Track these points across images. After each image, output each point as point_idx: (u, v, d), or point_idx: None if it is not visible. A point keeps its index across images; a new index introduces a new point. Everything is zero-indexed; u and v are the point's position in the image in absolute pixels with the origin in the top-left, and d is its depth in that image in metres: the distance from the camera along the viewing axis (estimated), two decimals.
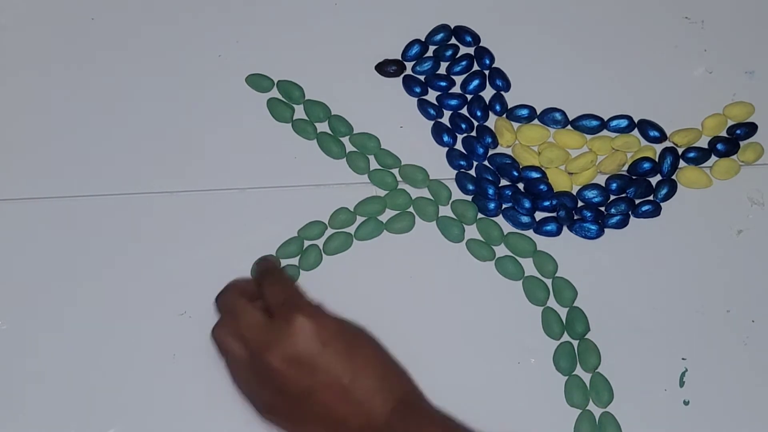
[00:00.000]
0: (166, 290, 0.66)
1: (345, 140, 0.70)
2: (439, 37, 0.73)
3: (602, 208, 0.68)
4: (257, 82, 0.71)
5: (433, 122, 0.71)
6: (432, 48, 0.73)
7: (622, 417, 0.63)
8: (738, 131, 0.70)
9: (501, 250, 0.67)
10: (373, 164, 0.70)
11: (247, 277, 0.63)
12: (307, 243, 0.67)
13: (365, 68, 0.72)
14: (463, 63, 0.72)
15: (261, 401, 0.57)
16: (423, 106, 0.71)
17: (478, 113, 0.71)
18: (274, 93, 0.71)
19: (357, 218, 0.68)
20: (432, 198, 0.69)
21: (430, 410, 0.57)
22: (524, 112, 0.71)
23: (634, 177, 0.69)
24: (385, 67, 0.72)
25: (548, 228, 0.68)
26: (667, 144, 0.70)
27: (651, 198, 0.69)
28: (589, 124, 0.70)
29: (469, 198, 0.69)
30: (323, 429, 0.56)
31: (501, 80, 0.71)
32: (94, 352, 0.65)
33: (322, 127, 0.71)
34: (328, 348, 0.55)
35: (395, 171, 0.69)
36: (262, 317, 0.56)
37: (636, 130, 0.70)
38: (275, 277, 0.61)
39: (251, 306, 0.57)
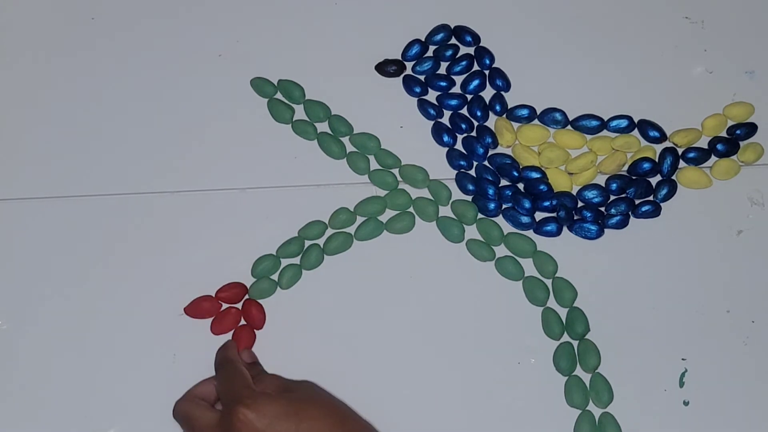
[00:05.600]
0: (166, 290, 0.66)
1: (345, 140, 0.70)
2: (439, 37, 0.73)
3: (602, 209, 0.68)
4: (261, 86, 0.71)
5: (433, 122, 0.71)
6: (432, 48, 0.73)
7: (622, 417, 0.63)
8: (738, 131, 0.70)
9: (501, 251, 0.67)
10: (374, 164, 0.70)
11: (207, 380, 0.62)
12: (307, 243, 0.67)
13: (365, 68, 0.72)
14: (463, 63, 0.72)
15: None
16: (423, 106, 0.71)
17: (478, 113, 0.71)
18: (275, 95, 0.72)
19: (357, 218, 0.68)
20: (432, 198, 0.69)
21: None
22: (524, 112, 0.71)
23: (634, 177, 0.69)
24: (385, 67, 0.72)
25: (548, 228, 0.68)
26: (667, 144, 0.70)
27: (651, 198, 0.69)
28: (589, 124, 0.70)
29: (469, 198, 0.69)
30: None
31: (501, 80, 0.71)
32: (94, 352, 0.65)
33: (323, 127, 0.71)
34: (271, 429, 0.56)
35: (395, 171, 0.69)
36: (213, 417, 0.58)
37: (636, 130, 0.70)
38: (223, 371, 0.62)
39: (202, 409, 0.59)
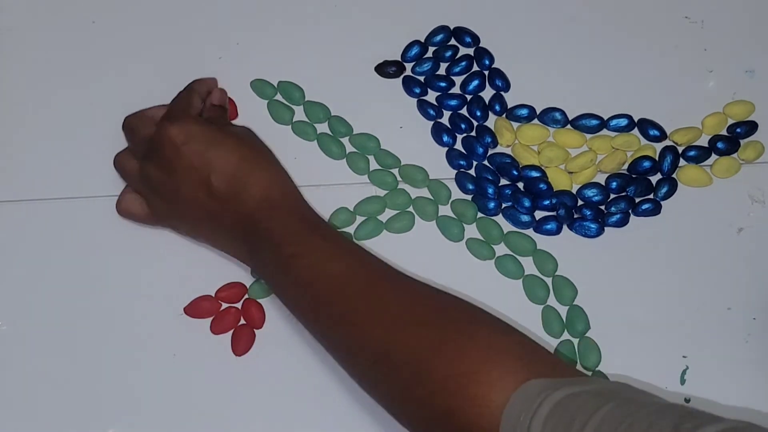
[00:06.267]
0: (166, 290, 0.66)
1: (345, 141, 0.70)
2: (438, 37, 0.73)
3: (602, 207, 0.68)
4: (261, 88, 0.72)
5: (432, 122, 0.71)
6: (432, 49, 0.73)
7: None
8: (738, 130, 0.70)
9: (501, 249, 0.67)
10: (373, 164, 0.70)
11: (163, 105, 0.67)
12: None
13: (365, 69, 0.72)
14: (463, 64, 0.72)
15: (159, 212, 0.64)
16: (423, 106, 0.71)
17: (478, 113, 0.71)
18: (275, 96, 0.72)
19: (357, 218, 0.68)
20: (432, 198, 0.69)
21: (301, 210, 0.62)
22: (524, 111, 0.71)
23: (634, 176, 0.69)
24: (385, 68, 0.72)
25: (548, 227, 0.68)
26: (667, 143, 0.70)
27: (651, 196, 0.69)
28: (588, 124, 0.70)
29: (469, 197, 0.69)
30: (208, 231, 0.62)
31: (501, 80, 0.71)
32: (94, 352, 0.65)
33: (322, 127, 0.71)
34: (185, 147, 0.60)
35: (395, 171, 0.69)
36: (152, 131, 0.63)
37: (636, 129, 0.70)
38: (177, 96, 0.66)
39: (146, 124, 0.64)
